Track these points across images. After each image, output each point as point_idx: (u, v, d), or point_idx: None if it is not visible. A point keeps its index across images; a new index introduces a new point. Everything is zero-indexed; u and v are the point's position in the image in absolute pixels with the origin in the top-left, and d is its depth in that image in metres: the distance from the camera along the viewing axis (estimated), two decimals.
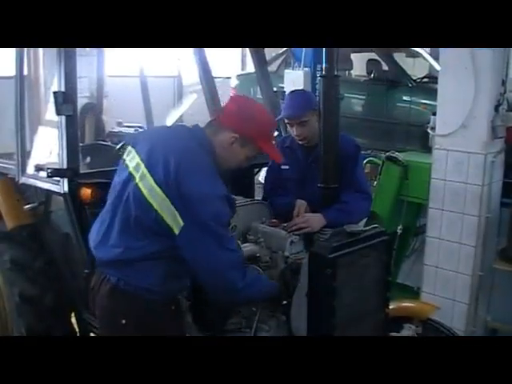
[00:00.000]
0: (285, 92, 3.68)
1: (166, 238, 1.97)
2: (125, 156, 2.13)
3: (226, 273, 1.99)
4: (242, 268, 2.07)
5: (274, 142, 2.23)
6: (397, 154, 4.08)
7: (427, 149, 4.11)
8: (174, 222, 1.92)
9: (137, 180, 2.01)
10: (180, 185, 1.91)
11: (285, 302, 2.24)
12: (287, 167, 2.91)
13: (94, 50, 4.43)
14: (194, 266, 1.99)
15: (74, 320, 3.23)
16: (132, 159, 2.07)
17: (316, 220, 2.52)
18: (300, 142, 2.84)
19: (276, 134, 3.45)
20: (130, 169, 2.05)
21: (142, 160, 2.03)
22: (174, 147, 2.02)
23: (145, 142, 2.12)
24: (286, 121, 2.90)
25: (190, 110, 4.99)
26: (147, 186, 1.97)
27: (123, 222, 2.03)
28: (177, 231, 1.93)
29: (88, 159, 3.42)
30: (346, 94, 6.19)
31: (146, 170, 1.99)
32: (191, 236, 1.93)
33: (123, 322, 2.03)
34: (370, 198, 2.82)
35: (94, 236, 2.15)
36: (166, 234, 1.95)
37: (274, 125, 2.20)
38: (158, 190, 1.94)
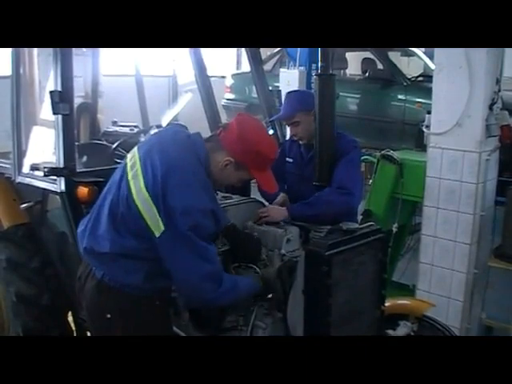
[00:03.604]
0: (280, 91, 3.70)
1: (147, 239, 1.99)
2: (129, 153, 2.16)
3: (198, 284, 2.00)
4: (218, 279, 2.03)
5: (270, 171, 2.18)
6: (392, 153, 4.09)
7: (422, 147, 4.12)
8: (156, 225, 1.95)
9: (129, 178, 2.04)
10: (165, 195, 1.93)
11: (269, 296, 2.28)
12: (291, 160, 2.94)
13: (89, 50, 4.42)
14: (170, 270, 2.00)
15: (70, 319, 3.23)
16: (132, 157, 2.11)
17: (276, 211, 2.56)
18: (300, 142, 2.86)
19: (272, 132, 3.47)
20: (128, 166, 2.09)
21: (139, 159, 2.06)
22: (168, 155, 2.03)
23: (147, 142, 2.18)
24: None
25: (185, 109, 4.97)
26: (137, 185, 2.00)
27: (111, 217, 2.06)
28: (157, 234, 1.95)
29: (84, 158, 3.42)
30: (340, 93, 6.19)
31: (140, 171, 2.02)
32: (170, 243, 1.95)
33: (108, 316, 2.08)
34: (349, 193, 2.70)
35: (81, 227, 2.19)
36: (147, 236, 1.98)
37: (274, 154, 2.15)
38: (145, 192, 1.97)
